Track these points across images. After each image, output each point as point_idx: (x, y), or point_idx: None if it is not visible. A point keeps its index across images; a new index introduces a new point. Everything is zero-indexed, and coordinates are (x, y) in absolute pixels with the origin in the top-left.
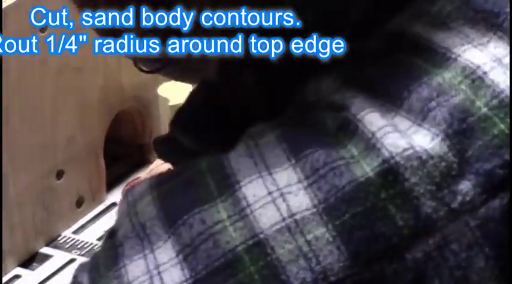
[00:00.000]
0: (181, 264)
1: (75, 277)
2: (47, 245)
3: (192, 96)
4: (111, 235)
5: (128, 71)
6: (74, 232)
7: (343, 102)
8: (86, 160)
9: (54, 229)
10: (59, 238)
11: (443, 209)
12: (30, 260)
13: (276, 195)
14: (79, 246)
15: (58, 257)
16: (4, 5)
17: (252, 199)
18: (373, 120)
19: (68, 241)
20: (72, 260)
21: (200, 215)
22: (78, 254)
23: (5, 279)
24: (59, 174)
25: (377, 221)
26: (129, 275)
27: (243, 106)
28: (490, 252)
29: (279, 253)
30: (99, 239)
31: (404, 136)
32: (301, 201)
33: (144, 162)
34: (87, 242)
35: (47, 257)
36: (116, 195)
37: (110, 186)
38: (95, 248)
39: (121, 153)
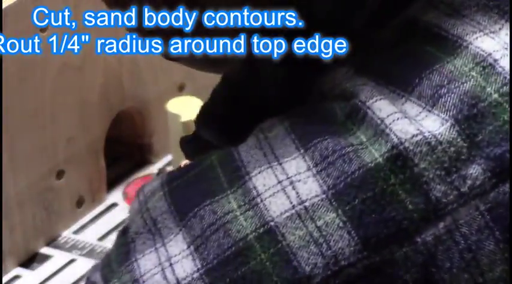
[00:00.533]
0: (192, 255)
1: (88, 278)
2: (47, 245)
3: (214, 93)
4: (123, 232)
5: (128, 71)
6: (74, 232)
7: (353, 90)
8: (86, 160)
9: (54, 229)
10: (59, 238)
11: (453, 193)
12: (30, 261)
13: (285, 184)
14: (79, 246)
15: (58, 257)
16: (4, 5)
17: (262, 189)
18: (382, 106)
19: (68, 241)
20: (72, 261)
21: (211, 206)
22: (78, 254)
23: (5, 279)
24: (59, 174)
25: (387, 206)
26: (141, 269)
27: (265, 100)
28: (500, 236)
29: (290, 240)
30: (99, 239)
31: (414, 122)
32: (310, 187)
33: (144, 162)
34: (87, 243)
35: (47, 257)
36: (116, 195)
37: (110, 186)
38: (95, 248)
39: (121, 153)
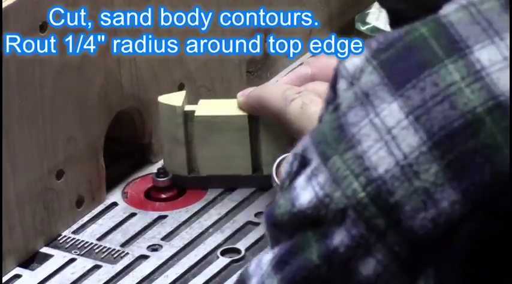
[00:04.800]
0: (413, 126)
1: (301, 156)
2: (47, 245)
3: None
4: (334, 109)
5: (127, 71)
6: (74, 232)
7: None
8: (85, 160)
9: (54, 229)
10: (59, 238)
11: None
12: (30, 260)
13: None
14: (79, 246)
15: (58, 257)
16: (4, 4)
17: (488, 63)
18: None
19: (68, 240)
20: (72, 260)
21: (431, 77)
22: (78, 254)
23: (4, 279)
24: (59, 174)
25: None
26: (362, 144)
27: None
28: None
29: None
30: (99, 239)
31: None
32: None
33: (144, 162)
34: (87, 242)
35: (47, 257)
36: (115, 195)
37: (110, 186)
38: (94, 248)
39: (121, 152)
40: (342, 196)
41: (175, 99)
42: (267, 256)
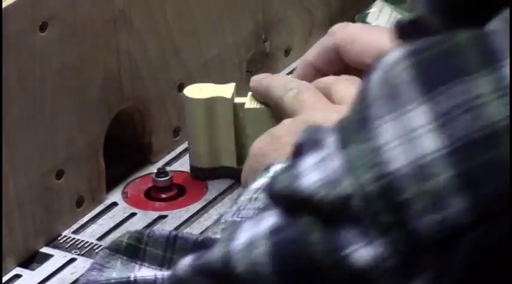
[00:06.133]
0: (436, 131)
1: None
2: (47, 245)
3: None
4: (362, 99)
5: (127, 71)
6: (74, 232)
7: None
8: (85, 160)
9: (54, 229)
10: (59, 238)
11: None
12: (30, 260)
13: None
14: (79, 246)
15: (58, 257)
16: (4, 4)
17: None
18: None
19: (68, 240)
20: (72, 260)
21: (460, 87)
22: (78, 254)
23: (5, 279)
24: (59, 174)
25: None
26: (381, 138)
27: None
28: None
29: None
30: (99, 239)
31: None
32: None
33: (144, 162)
34: (87, 242)
35: (47, 257)
36: (115, 195)
37: (110, 186)
38: (94, 248)
39: (121, 152)
40: (350, 185)
41: (221, 90)
42: (265, 221)
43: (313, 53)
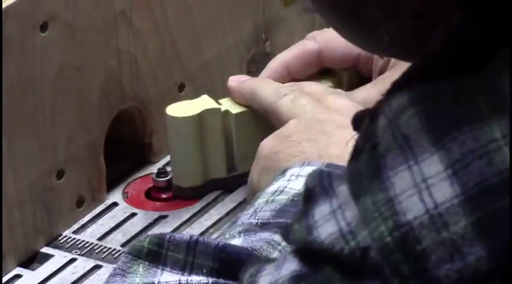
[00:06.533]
0: (450, 179)
1: (330, 187)
2: (47, 245)
3: None
4: (372, 148)
5: (127, 71)
6: (74, 232)
7: None
8: (86, 160)
9: (54, 229)
10: (59, 238)
11: None
12: (30, 260)
13: None
14: (79, 246)
15: (58, 257)
16: (4, 4)
17: None
18: None
19: (68, 240)
20: (72, 260)
21: (472, 133)
22: (79, 254)
23: (5, 279)
24: (59, 174)
25: None
26: (395, 188)
27: None
28: None
29: None
30: (99, 239)
31: None
32: None
33: (144, 162)
34: (87, 242)
35: (47, 257)
36: (116, 195)
37: (110, 186)
38: (95, 248)
39: (121, 153)
40: (367, 236)
41: (204, 103)
42: (286, 266)
43: (291, 55)
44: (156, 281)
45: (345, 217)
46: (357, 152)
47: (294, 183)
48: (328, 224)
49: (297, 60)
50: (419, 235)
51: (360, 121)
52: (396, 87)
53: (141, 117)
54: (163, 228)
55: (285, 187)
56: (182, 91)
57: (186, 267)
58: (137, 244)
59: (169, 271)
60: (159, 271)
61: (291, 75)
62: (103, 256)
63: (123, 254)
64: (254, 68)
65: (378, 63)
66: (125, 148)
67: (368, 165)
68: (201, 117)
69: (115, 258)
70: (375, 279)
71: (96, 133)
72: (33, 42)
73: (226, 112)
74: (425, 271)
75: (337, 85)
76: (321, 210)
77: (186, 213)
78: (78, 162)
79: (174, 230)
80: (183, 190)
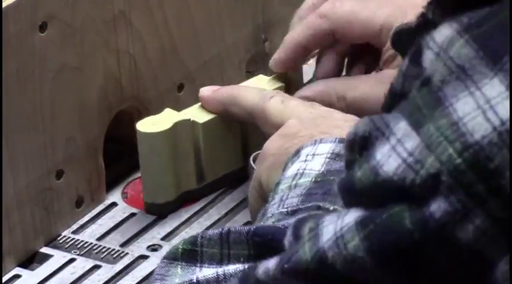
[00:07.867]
0: None
1: (386, 126)
2: (47, 245)
3: None
4: (425, 83)
5: (126, 71)
6: (74, 232)
7: None
8: (85, 160)
9: (53, 229)
10: (59, 238)
11: None
12: (30, 260)
13: None
14: (79, 246)
15: (58, 257)
16: (4, 4)
17: None
18: None
19: (67, 240)
20: (71, 260)
21: None
22: (78, 254)
23: (4, 279)
24: (59, 174)
25: None
26: (458, 112)
27: None
28: None
29: None
30: (98, 239)
31: None
32: None
33: None
34: (86, 242)
35: (46, 257)
36: (115, 195)
37: (109, 186)
38: (94, 248)
39: (120, 153)
40: (435, 161)
41: (172, 116)
42: (349, 216)
43: (304, 35)
44: (195, 278)
45: (405, 148)
46: (395, 95)
47: (311, 163)
48: (390, 159)
49: (311, 40)
50: (490, 154)
51: (398, 37)
52: (430, 23)
53: (141, 117)
54: (163, 228)
55: (304, 169)
56: (181, 92)
57: (223, 260)
58: (172, 248)
59: (207, 267)
60: (197, 269)
61: (308, 53)
62: (102, 256)
63: (160, 261)
64: (254, 67)
65: (386, 53)
66: (124, 148)
67: (425, 98)
68: (174, 130)
69: (114, 258)
70: (449, 204)
71: (96, 133)
72: (32, 42)
73: (193, 122)
74: (500, 188)
75: (288, 86)
76: (381, 151)
77: (185, 213)
78: (78, 162)
79: (173, 231)
80: (157, 207)
